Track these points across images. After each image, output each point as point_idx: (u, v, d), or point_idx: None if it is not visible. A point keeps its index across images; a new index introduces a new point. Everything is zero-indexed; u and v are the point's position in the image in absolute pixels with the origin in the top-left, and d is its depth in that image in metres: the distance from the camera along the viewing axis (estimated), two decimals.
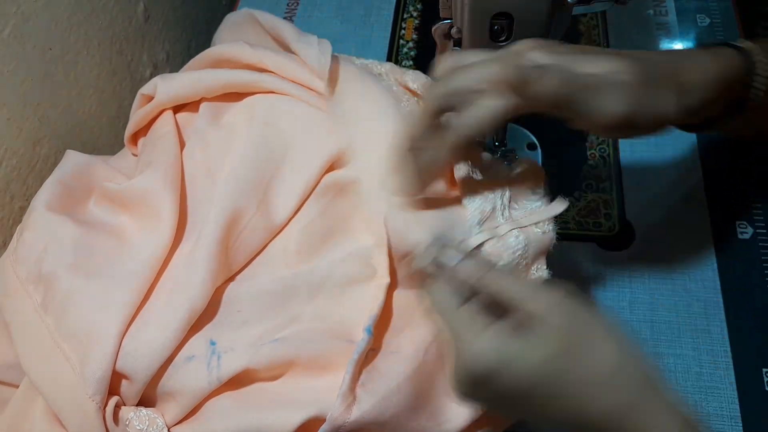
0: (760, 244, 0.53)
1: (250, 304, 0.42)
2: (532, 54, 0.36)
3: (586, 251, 0.54)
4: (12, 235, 0.46)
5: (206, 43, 0.59)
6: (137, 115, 0.51)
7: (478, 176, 0.43)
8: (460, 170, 0.43)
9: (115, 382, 0.39)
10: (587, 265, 0.53)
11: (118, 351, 0.39)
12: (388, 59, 0.68)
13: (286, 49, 0.52)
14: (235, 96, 0.50)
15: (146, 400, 0.41)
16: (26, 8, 0.50)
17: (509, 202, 0.43)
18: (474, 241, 0.41)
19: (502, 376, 0.32)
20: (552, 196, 0.43)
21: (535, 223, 0.42)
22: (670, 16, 0.68)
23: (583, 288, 0.52)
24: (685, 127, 0.44)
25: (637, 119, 0.36)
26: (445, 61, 0.39)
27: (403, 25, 0.71)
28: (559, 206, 0.42)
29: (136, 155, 0.52)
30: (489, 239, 0.41)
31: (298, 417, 0.37)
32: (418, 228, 0.40)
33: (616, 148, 0.59)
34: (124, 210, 0.46)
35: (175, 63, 0.73)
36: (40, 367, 0.39)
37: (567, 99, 0.35)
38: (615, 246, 0.54)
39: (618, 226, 0.55)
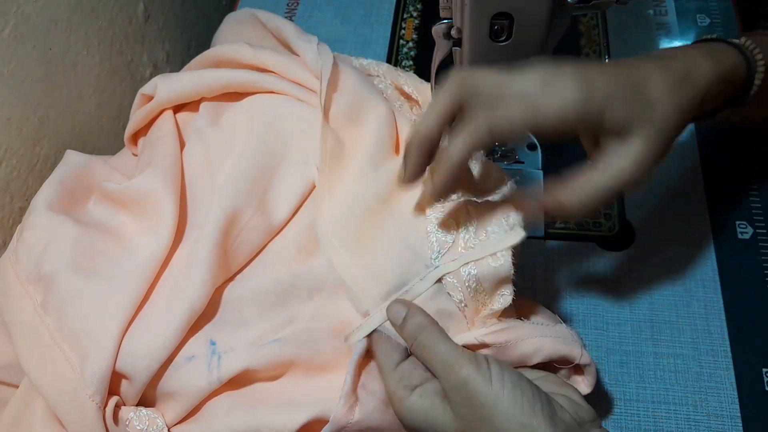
0: (760, 244, 0.53)
1: (249, 304, 0.42)
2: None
3: (586, 251, 0.54)
4: (12, 235, 0.46)
5: (206, 43, 0.59)
6: (137, 115, 0.51)
7: (452, 199, 0.41)
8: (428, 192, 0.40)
9: (115, 382, 0.39)
10: (587, 265, 0.53)
11: (118, 351, 0.39)
12: (388, 59, 0.68)
13: (287, 47, 0.52)
14: (235, 96, 0.50)
15: (146, 400, 0.41)
16: (26, 8, 0.50)
17: (475, 230, 0.41)
18: (425, 284, 0.40)
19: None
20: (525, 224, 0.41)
21: (491, 254, 0.40)
22: (670, 16, 0.68)
23: (583, 288, 0.52)
24: None
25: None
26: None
27: (403, 25, 0.71)
28: (515, 237, 0.40)
29: (136, 155, 0.52)
30: (445, 274, 0.40)
31: (300, 418, 0.37)
32: (372, 283, 0.40)
33: None
34: (124, 210, 0.46)
35: (175, 63, 0.73)
36: (40, 367, 0.39)
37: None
38: (615, 246, 0.54)
39: (618, 226, 0.55)
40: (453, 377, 0.35)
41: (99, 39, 0.59)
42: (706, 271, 0.52)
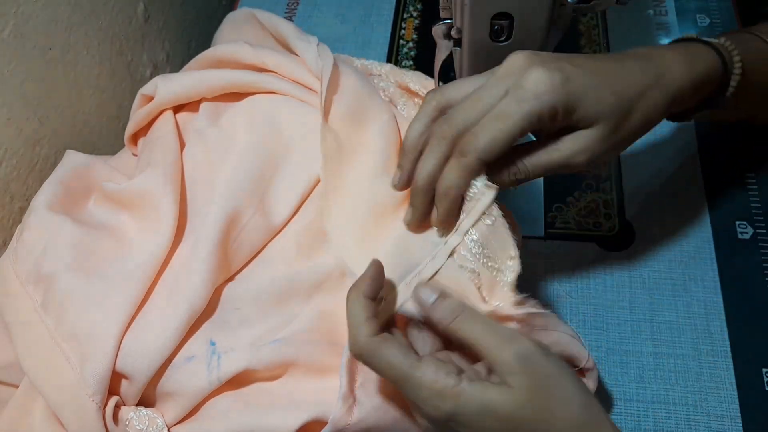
0: (760, 244, 0.53)
1: (249, 303, 0.42)
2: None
3: (586, 251, 0.54)
4: (12, 235, 0.46)
5: (206, 43, 0.59)
6: (137, 115, 0.51)
7: None
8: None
9: (114, 382, 0.39)
10: (587, 265, 0.53)
11: (118, 351, 0.39)
12: (388, 59, 0.68)
13: (286, 47, 0.52)
14: (235, 96, 0.50)
15: (146, 400, 0.41)
16: (26, 8, 0.50)
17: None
18: (437, 262, 0.39)
19: (473, 423, 0.33)
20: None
21: (483, 215, 0.39)
22: (670, 16, 0.68)
23: (583, 288, 0.52)
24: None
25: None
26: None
27: (403, 25, 0.71)
28: (491, 191, 0.38)
29: (137, 155, 0.52)
30: (455, 247, 0.39)
31: (300, 418, 0.37)
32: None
33: None
34: (124, 210, 0.46)
35: (175, 63, 0.73)
36: (40, 367, 0.39)
37: None
38: (615, 246, 0.54)
39: (618, 226, 0.55)
40: (514, 351, 0.33)
41: (99, 39, 0.59)
42: (706, 271, 0.52)
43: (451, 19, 0.46)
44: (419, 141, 0.39)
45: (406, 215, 0.41)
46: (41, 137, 0.54)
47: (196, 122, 0.50)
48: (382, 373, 0.34)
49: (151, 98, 0.50)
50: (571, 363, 0.41)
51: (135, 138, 0.52)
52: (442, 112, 0.39)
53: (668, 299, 0.51)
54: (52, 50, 0.53)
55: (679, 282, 0.51)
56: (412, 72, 0.52)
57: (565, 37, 0.45)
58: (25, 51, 0.50)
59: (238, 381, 0.40)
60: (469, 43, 0.44)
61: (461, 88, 0.38)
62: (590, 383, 0.42)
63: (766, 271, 0.51)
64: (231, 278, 0.44)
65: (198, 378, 0.39)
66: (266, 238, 0.45)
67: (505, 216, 0.39)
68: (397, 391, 0.39)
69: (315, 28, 0.70)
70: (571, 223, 0.55)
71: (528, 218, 0.55)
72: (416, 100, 0.52)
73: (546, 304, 0.46)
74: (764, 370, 0.47)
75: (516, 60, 0.37)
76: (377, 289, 0.36)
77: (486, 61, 0.43)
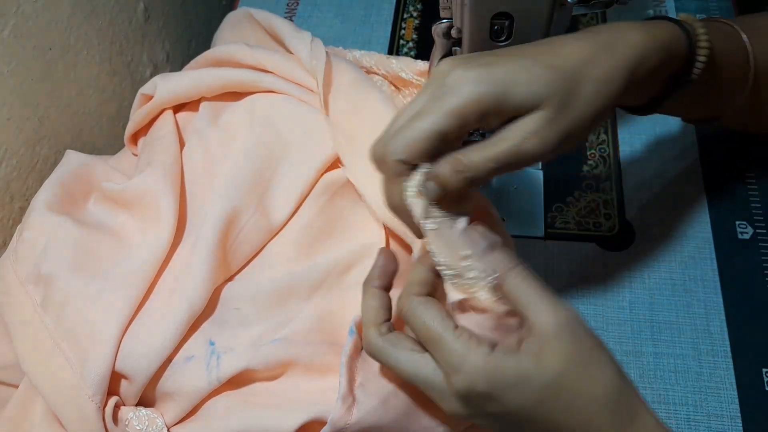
0: (760, 244, 0.53)
1: (249, 303, 0.42)
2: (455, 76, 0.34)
3: (586, 251, 0.54)
4: (12, 235, 0.46)
5: (206, 43, 0.59)
6: (137, 115, 0.51)
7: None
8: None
9: (114, 382, 0.39)
10: (587, 265, 0.53)
11: (118, 351, 0.39)
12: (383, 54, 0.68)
13: (282, 45, 0.52)
14: (234, 95, 0.50)
15: (146, 400, 0.41)
16: (26, 8, 0.50)
17: None
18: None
19: (505, 395, 0.32)
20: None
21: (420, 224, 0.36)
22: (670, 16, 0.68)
23: (583, 288, 0.52)
24: (630, 109, 0.43)
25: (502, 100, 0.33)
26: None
27: (403, 25, 0.71)
28: (418, 202, 0.35)
29: (137, 155, 0.52)
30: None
31: (300, 418, 0.37)
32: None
33: (616, 148, 0.59)
34: (123, 210, 0.46)
35: (175, 63, 0.73)
36: (40, 367, 0.39)
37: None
38: (615, 246, 0.54)
39: (618, 226, 0.55)
40: (557, 318, 0.32)
41: (99, 39, 0.59)
42: (706, 271, 0.52)
43: (451, 18, 0.46)
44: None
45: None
46: (41, 137, 0.54)
47: (196, 122, 0.50)
48: (418, 333, 0.34)
49: (150, 98, 0.50)
50: None
51: (135, 138, 0.52)
52: None
53: (668, 299, 0.51)
54: (52, 50, 0.53)
55: (679, 282, 0.51)
56: (397, 58, 0.52)
57: None
58: (25, 51, 0.51)
59: (238, 381, 0.40)
60: (469, 43, 0.44)
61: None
62: None
63: (766, 271, 0.51)
64: (230, 278, 0.44)
65: (197, 378, 0.39)
66: (266, 238, 0.45)
67: (485, 215, 0.38)
68: (396, 391, 0.39)
69: (315, 28, 0.70)
70: (571, 223, 0.55)
71: (528, 218, 0.55)
72: (411, 89, 0.52)
73: None
74: (764, 370, 0.47)
75: (440, 66, 0.35)
76: (391, 277, 0.37)
77: None
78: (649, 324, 0.50)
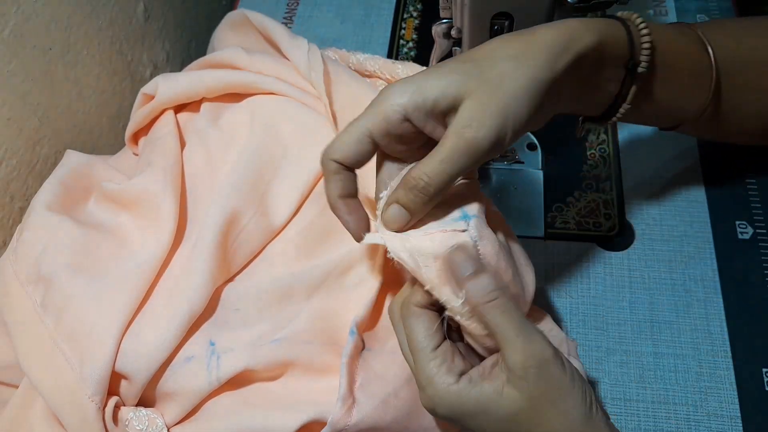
0: (760, 244, 0.53)
1: (249, 304, 0.42)
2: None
3: (586, 251, 0.54)
4: (12, 235, 0.46)
5: (206, 43, 0.59)
6: (138, 115, 0.51)
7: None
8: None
9: (114, 382, 0.39)
10: (587, 265, 0.53)
11: (118, 351, 0.39)
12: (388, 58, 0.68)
13: (278, 50, 0.52)
14: (235, 96, 0.50)
15: (146, 401, 0.41)
16: (26, 8, 0.50)
17: None
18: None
19: (466, 421, 0.34)
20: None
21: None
22: (669, 16, 0.68)
23: (583, 288, 0.52)
24: (593, 119, 0.43)
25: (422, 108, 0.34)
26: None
27: (403, 25, 0.71)
28: (374, 236, 0.36)
29: (137, 155, 0.52)
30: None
31: (300, 419, 0.37)
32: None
33: (616, 148, 0.59)
34: (124, 210, 0.46)
35: (175, 63, 0.73)
36: (40, 367, 0.39)
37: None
38: (615, 246, 0.54)
39: (618, 226, 0.55)
40: (529, 356, 0.32)
41: (99, 39, 0.59)
42: (706, 271, 0.52)
43: (451, 18, 0.46)
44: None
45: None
46: (41, 137, 0.54)
47: (197, 122, 0.50)
48: (401, 342, 0.36)
49: (152, 97, 0.50)
50: None
51: (136, 137, 0.52)
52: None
53: (668, 299, 0.51)
54: (52, 50, 0.53)
55: (679, 282, 0.51)
56: (403, 63, 0.52)
57: None
58: (25, 51, 0.51)
59: (238, 381, 0.40)
60: (469, 43, 0.44)
61: None
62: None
63: (766, 271, 0.51)
64: (231, 279, 0.44)
65: (198, 378, 0.39)
66: (266, 239, 0.45)
67: (489, 214, 0.38)
68: (397, 392, 0.39)
69: (315, 28, 0.70)
70: (571, 223, 0.55)
71: (528, 218, 0.55)
72: None
73: (544, 304, 0.46)
74: (764, 370, 0.47)
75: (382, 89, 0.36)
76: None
77: None
78: (649, 324, 0.50)
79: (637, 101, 0.41)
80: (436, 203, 0.35)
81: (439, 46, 0.48)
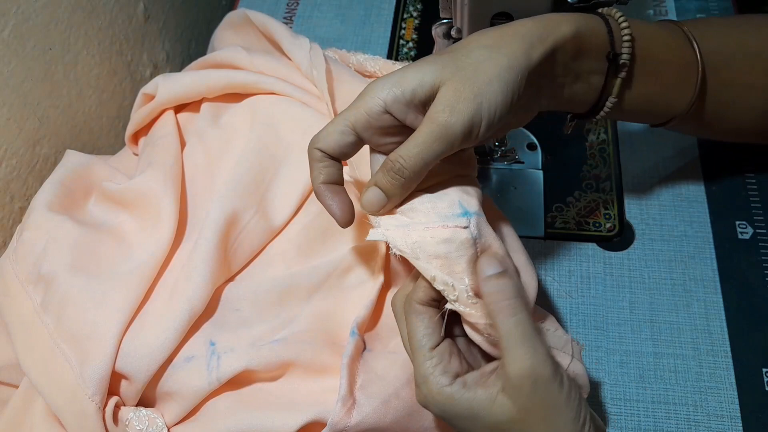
0: (760, 244, 0.53)
1: (249, 304, 0.42)
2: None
3: (586, 251, 0.54)
4: (12, 235, 0.46)
5: (206, 43, 0.59)
6: (138, 115, 0.51)
7: None
8: None
9: (114, 382, 0.39)
10: (587, 265, 0.53)
11: (118, 351, 0.39)
12: (388, 59, 0.68)
13: (280, 49, 0.52)
14: (235, 96, 0.50)
15: (146, 401, 0.41)
16: (26, 8, 0.50)
17: None
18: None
19: (456, 422, 0.34)
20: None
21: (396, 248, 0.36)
22: (669, 17, 0.68)
23: (583, 288, 0.52)
24: (579, 115, 0.43)
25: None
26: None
27: (403, 25, 0.71)
28: (377, 233, 0.36)
29: (137, 155, 0.52)
30: None
31: (300, 419, 0.37)
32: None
33: (616, 148, 0.59)
34: (124, 210, 0.46)
35: (175, 63, 0.73)
36: (40, 367, 0.39)
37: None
38: (615, 246, 0.54)
39: (618, 226, 0.55)
40: (536, 368, 0.32)
41: (99, 39, 0.59)
42: (706, 271, 0.52)
43: (451, 18, 0.46)
44: None
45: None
46: (41, 137, 0.54)
47: (197, 122, 0.50)
48: (402, 337, 0.37)
49: (152, 97, 0.50)
50: None
51: (136, 137, 0.52)
52: None
53: (668, 299, 0.51)
54: (52, 50, 0.53)
55: (679, 282, 0.51)
56: (402, 64, 0.52)
57: None
58: (25, 51, 0.51)
59: (238, 381, 0.40)
60: None
61: None
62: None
63: (766, 271, 0.51)
64: (231, 279, 0.44)
65: (198, 378, 0.39)
66: (266, 239, 0.45)
67: (490, 212, 0.38)
68: (397, 393, 0.39)
69: (315, 28, 0.70)
70: (571, 223, 0.55)
71: (528, 218, 0.55)
72: None
73: (544, 303, 0.46)
74: (764, 370, 0.47)
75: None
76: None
77: None
78: (649, 324, 0.50)
79: (624, 95, 0.41)
80: (413, 188, 0.36)
81: (439, 46, 0.48)
